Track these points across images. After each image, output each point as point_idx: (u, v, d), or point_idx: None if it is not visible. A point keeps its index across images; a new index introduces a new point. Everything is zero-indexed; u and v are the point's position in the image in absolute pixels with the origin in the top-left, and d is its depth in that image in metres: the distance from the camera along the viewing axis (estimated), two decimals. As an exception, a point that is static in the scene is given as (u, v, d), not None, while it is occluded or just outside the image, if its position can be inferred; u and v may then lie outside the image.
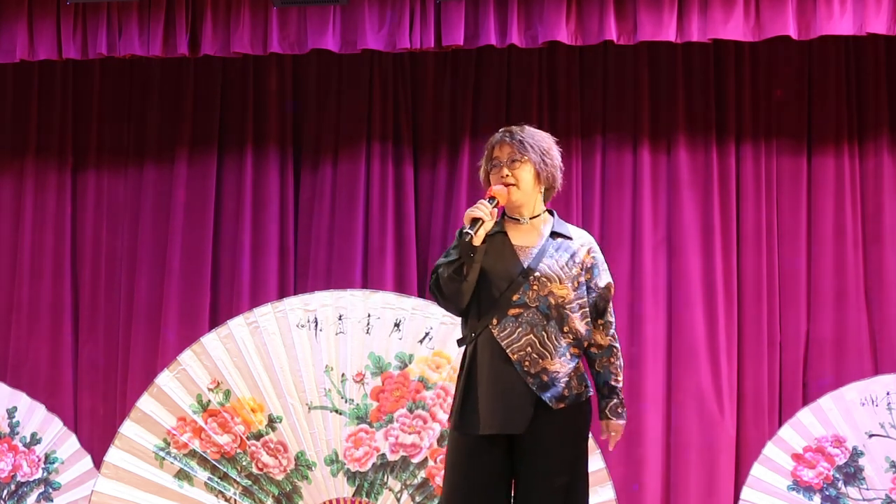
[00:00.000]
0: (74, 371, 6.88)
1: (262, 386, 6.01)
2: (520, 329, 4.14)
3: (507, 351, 4.13)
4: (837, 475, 6.08)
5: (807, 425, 6.13)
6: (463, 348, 4.27)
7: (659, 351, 6.60)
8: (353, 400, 5.99)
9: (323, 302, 6.07)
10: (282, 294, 6.65)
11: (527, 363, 4.13)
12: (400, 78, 6.86)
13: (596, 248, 4.35)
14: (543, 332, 4.15)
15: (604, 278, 4.32)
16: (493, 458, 4.14)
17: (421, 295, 6.51)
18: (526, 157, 4.23)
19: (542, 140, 4.30)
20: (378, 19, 6.17)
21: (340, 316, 6.05)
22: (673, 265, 6.66)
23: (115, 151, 6.99)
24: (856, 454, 6.09)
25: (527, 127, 4.33)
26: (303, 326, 6.04)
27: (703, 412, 6.51)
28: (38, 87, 7.01)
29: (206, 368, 6.04)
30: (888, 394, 6.10)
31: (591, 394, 4.26)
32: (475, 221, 4.12)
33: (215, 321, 6.64)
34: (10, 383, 6.61)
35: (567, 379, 4.17)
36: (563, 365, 4.17)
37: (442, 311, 5.94)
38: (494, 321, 4.15)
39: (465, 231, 4.10)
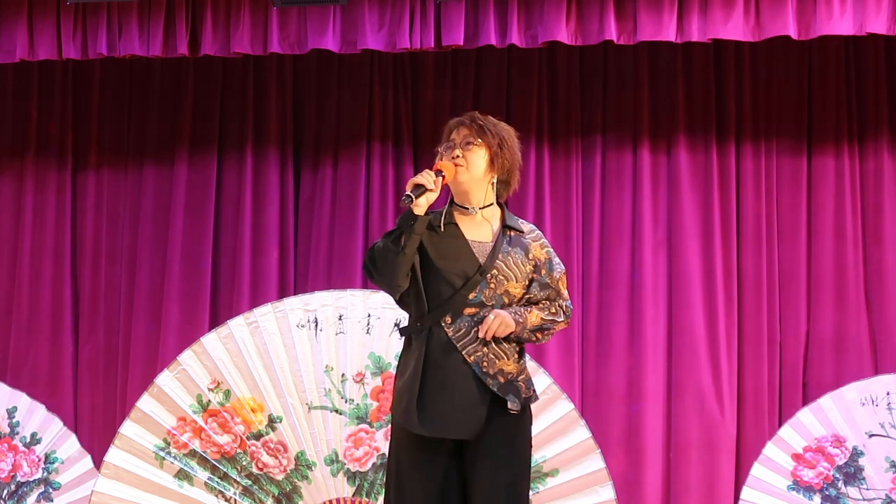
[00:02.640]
0: (74, 371, 6.88)
1: (262, 386, 6.01)
2: (476, 329, 3.98)
3: (464, 352, 3.96)
4: (837, 475, 6.08)
5: (807, 425, 6.13)
6: (403, 340, 4.09)
7: (659, 351, 6.60)
8: (353, 400, 5.99)
9: (323, 302, 6.07)
10: (282, 294, 6.65)
11: (485, 364, 3.98)
12: (400, 78, 6.87)
13: (546, 241, 4.18)
14: None
15: (557, 270, 4.13)
16: (443, 458, 3.99)
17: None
18: (480, 141, 4.06)
19: (502, 129, 4.11)
20: (378, 19, 6.16)
21: (340, 316, 6.05)
22: (673, 265, 6.66)
23: (115, 151, 7.00)
24: (856, 454, 6.09)
25: (490, 116, 4.18)
26: (303, 326, 6.04)
27: (703, 412, 6.51)
28: (38, 87, 7.01)
29: (206, 368, 6.04)
30: (888, 394, 6.10)
31: (536, 399, 4.11)
32: (418, 188, 3.90)
33: (215, 321, 6.64)
34: (10, 383, 6.60)
35: (522, 379, 4.05)
36: (515, 366, 4.04)
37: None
38: (448, 319, 3.98)
39: (405, 195, 3.89)
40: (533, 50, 6.48)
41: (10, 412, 6.50)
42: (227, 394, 6.02)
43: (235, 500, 5.99)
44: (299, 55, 6.55)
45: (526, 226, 4.17)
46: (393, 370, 5.97)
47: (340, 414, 5.98)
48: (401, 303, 4.10)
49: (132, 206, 6.95)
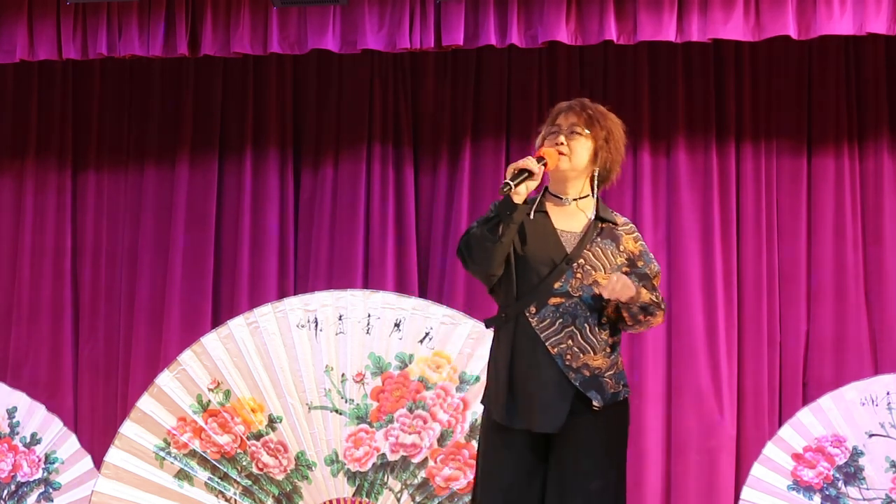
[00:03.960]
0: (74, 371, 6.88)
1: (262, 386, 6.01)
2: (560, 320, 3.84)
3: (547, 344, 3.83)
4: (837, 475, 6.08)
5: (807, 425, 6.13)
6: (492, 330, 3.99)
7: (659, 351, 6.60)
8: (353, 400, 5.99)
9: (323, 302, 6.07)
10: (282, 294, 6.65)
11: (568, 357, 3.83)
12: (400, 78, 6.86)
13: (639, 234, 4.04)
14: (585, 325, 3.86)
15: (653, 266, 4.00)
16: (529, 452, 3.88)
17: (421, 296, 6.52)
18: (588, 132, 3.91)
19: (611, 122, 3.97)
20: (378, 19, 6.16)
21: (340, 316, 6.05)
22: (673, 265, 6.65)
23: (115, 151, 7.00)
24: (856, 454, 6.08)
25: (600, 105, 4.01)
26: (303, 326, 6.04)
27: (703, 412, 6.51)
28: (38, 87, 7.01)
29: (206, 368, 6.04)
30: (888, 394, 6.09)
31: (629, 393, 3.99)
32: (520, 173, 3.75)
33: (216, 321, 6.64)
34: (10, 383, 6.60)
35: (611, 374, 3.90)
36: (604, 361, 3.89)
37: (442, 311, 5.99)
38: (533, 309, 3.84)
39: (504, 182, 3.72)
40: (533, 50, 6.48)
41: (10, 412, 6.50)
42: (227, 394, 6.02)
43: (235, 500, 5.99)
44: (299, 55, 6.54)
45: (620, 218, 4.04)
46: (392, 370, 5.99)
47: (340, 414, 5.98)
48: (492, 292, 3.99)
49: (132, 206, 6.95)
